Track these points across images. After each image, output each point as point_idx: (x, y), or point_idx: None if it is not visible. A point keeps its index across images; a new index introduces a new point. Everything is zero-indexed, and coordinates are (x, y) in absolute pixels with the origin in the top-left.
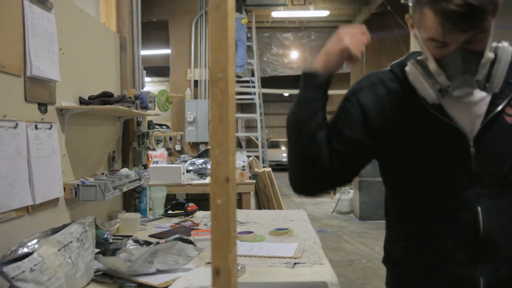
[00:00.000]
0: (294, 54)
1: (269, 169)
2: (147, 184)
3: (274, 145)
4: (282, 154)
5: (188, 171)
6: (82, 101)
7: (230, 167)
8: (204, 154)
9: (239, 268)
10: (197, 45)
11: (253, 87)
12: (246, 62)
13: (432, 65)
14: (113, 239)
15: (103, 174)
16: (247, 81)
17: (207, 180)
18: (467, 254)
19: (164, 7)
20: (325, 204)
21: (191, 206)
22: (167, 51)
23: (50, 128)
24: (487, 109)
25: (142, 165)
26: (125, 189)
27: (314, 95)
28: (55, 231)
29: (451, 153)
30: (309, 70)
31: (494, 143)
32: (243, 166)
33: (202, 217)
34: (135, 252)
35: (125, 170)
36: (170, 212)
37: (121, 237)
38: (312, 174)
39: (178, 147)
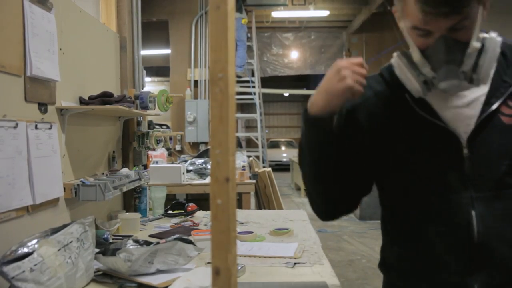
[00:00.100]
0: (294, 54)
1: (269, 169)
2: (147, 184)
3: (274, 145)
4: (282, 154)
5: (188, 171)
6: (82, 101)
7: (230, 167)
8: (204, 154)
9: (239, 268)
10: (197, 45)
11: (253, 87)
12: (246, 62)
13: (416, 55)
14: (113, 239)
15: (103, 174)
16: (247, 81)
17: (207, 180)
18: (461, 260)
19: (164, 7)
20: None
21: (191, 206)
22: (167, 51)
23: (50, 128)
24: (481, 108)
25: (142, 165)
26: (125, 189)
27: (324, 139)
28: (55, 231)
29: (442, 155)
30: (313, 114)
31: (489, 144)
32: (243, 166)
33: (202, 217)
34: (135, 252)
35: (125, 170)
36: (170, 212)
37: (121, 237)
38: (336, 207)
39: (178, 147)
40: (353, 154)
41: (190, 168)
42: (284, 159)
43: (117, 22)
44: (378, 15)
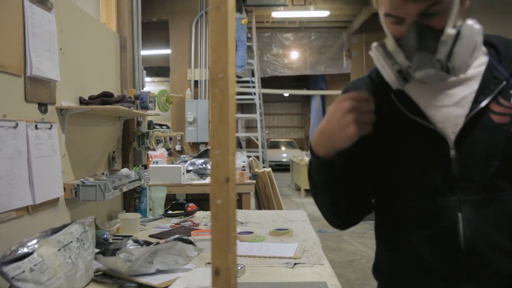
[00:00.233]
0: (294, 54)
1: (269, 169)
2: (147, 184)
3: (274, 145)
4: (282, 155)
5: (188, 171)
6: (82, 101)
7: (230, 167)
8: (204, 154)
9: (239, 268)
10: (197, 45)
11: (253, 87)
12: (246, 62)
13: (390, 44)
14: (113, 239)
15: (103, 174)
16: (247, 81)
17: (207, 180)
18: (448, 266)
19: (164, 7)
20: None
21: (191, 206)
22: (167, 51)
23: (50, 128)
24: (470, 107)
25: (142, 165)
26: (125, 189)
27: (334, 178)
28: (55, 231)
29: (429, 157)
30: (319, 155)
31: (477, 145)
32: (243, 166)
33: (202, 217)
34: (135, 252)
35: (125, 170)
36: (170, 212)
37: (121, 237)
38: (347, 219)
39: (178, 147)
40: (358, 166)
41: (190, 168)
42: (284, 159)
43: (117, 22)
44: (378, 15)
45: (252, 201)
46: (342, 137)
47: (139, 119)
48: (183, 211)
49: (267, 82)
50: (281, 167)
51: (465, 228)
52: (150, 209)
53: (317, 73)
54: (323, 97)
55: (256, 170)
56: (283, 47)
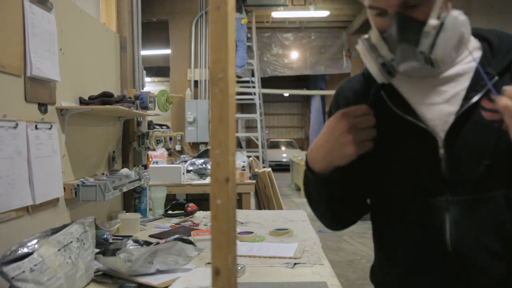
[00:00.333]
0: (294, 54)
1: (269, 169)
2: (147, 184)
3: (274, 145)
4: (282, 155)
5: (188, 171)
6: (82, 101)
7: (230, 168)
8: (204, 154)
9: (239, 268)
10: (197, 45)
11: (253, 87)
12: (246, 62)
13: (374, 37)
14: (113, 239)
15: (103, 174)
16: (247, 81)
17: (207, 180)
18: (435, 270)
19: (164, 7)
20: None
21: (191, 206)
22: (167, 51)
23: (50, 128)
24: (461, 104)
25: (142, 165)
26: (125, 189)
27: (330, 191)
28: (55, 231)
29: (418, 156)
30: (315, 171)
31: (467, 143)
32: (243, 166)
33: (202, 217)
34: (135, 252)
35: (125, 170)
36: (170, 212)
37: (121, 237)
38: (345, 222)
39: (178, 147)
40: (356, 176)
41: (190, 168)
42: (284, 159)
43: (117, 22)
44: None
45: (252, 201)
46: (339, 156)
47: (139, 119)
48: (183, 211)
49: (267, 82)
50: (281, 167)
51: (451, 230)
52: (150, 209)
53: (317, 73)
54: (323, 97)
55: (256, 170)
56: (283, 47)
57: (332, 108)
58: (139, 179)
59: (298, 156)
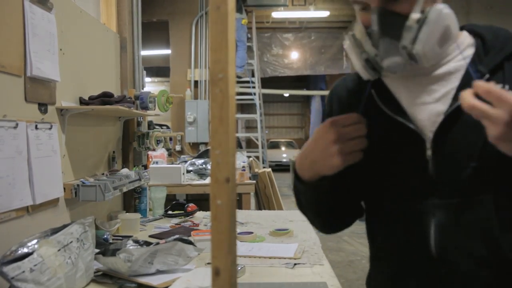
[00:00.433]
0: (294, 55)
1: (269, 169)
2: (147, 185)
3: (274, 145)
4: (282, 155)
5: (188, 171)
6: (82, 101)
7: (230, 168)
8: (204, 155)
9: (239, 268)
10: (197, 45)
11: (253, 87)
12: (246, 63)
13: (358, 32)
14: (113, 239)
15: (103, 174)
16: (247, 82)
17: (207, 180)
18: (420, 273)
19: (164, 7)
20: None
21: (191, 206)
22: (167, 51)
23: (50, 128)
24: (450, 103)
25: (142, 166)
26: (125, 189)
27: (319, 199)
28: (55, 231)
29: (406, 157)
30: (304, 180)
31: (455, 144)
32: (243, 167)
33: (202, 217)
34: (135, 253)
35: (125, 171)
36: (170, 212)
37: (121, 238)
38: (336, 227)
39: (178, 148)
40: (347, 181)
41: (190, 168)
42: (284, 160)
43: (118, 22)
44: None
45: (252, 201)
46: (325, 166)
47: (139, 119)
48: (183, 211)
49: (267, 82)
50: (281, 167)
51: (436, 234)
52: (150, 209)
53: (317, 73)
54: (323, 98)
55: (256, 170)
56: (283, 47)
57: (326, 107)
58: (139, 179)
59: None
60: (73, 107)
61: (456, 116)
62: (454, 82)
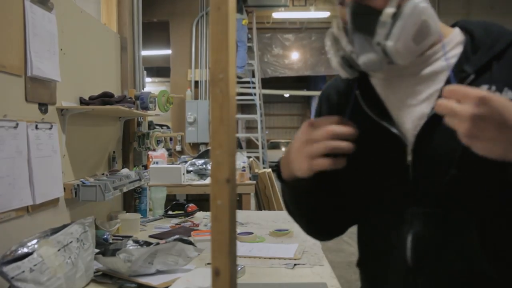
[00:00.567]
0: (294, 55)
1: (269, 170)
2: (147, 185)
3: (275, 146)
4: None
5: (188, 171)
6: (82, 101)
7: (230, 168)
8: (204, 155)
9: (239, 269)
10: (198, 46)
11: (254, 88)
12: (247, 63)
13: (335, 28)
14: (113, 239)
15: (103, 174)
16: (248, 82)
17: (207, 180)
18: (397, 284)
19: (165, 7)
20: None
21: (191, 206)
22: (168, 51)
23: (50, 128)
24: (433, 106)
25: (143, 166)
26: (125, 189)
27: (299, 199)
28: (55, 231)
29: (389, 163)
30: (284, 178)
31: (435, 149)
32: (243, 167)
33: (202, 217)
34: (135, 253)
35: (125, 171)
36: (170, 212)
37: (121, 238)
38: (325, 235)
39: (178, 148)
40: (331, 184)
41: (190, 168)
42: None
43: (118, 22)
44: None
45: (252, 201)
46: (296, 169)
47: (139, 120)
48: (183, 212)
49: (267, 82)
50: None
51: (412, 245)
52: (150, 210)
53: (318, 74)
54: None
55: (256, 170)
56: (283, 47)
57: (316, 107)
58: (139, 180)
59: None
60: (73, 107)
61: (438, 119)
62: (440, 83)
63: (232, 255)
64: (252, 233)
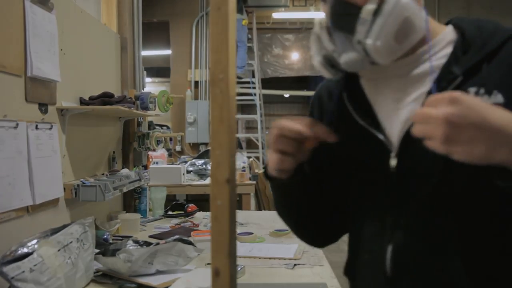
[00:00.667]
0: (295, 55)
1: None
2: (147, 185)
3: None
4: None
5: (188, 171)
6: (82, 102)
7: (230, 168)
8: (204, 155)
9: (239, 269)
10: (198, 46)
11: (254, 88)
12: (247, 63)
13: (317, 26)
14: (113, 239)
15: (103, 174)
16: (248, 82)
17: (207, 181)
18: None
19: (165, 8)
20: None
21: (191, 207)
22: (168, 52)
23: (50, 129)
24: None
25: (142, 166)
26: (125, 189)
27: (288, 201)
28: (55, 231)
29: (374, 169)
30: (270, 175)
31: (418, 155)
32: (243, 167)
33: (202, 218)
34: (135, 253)
35: (125, 171)
36: (170, 212)
37: (121, 238)
38: (316, 241)
39: (178, 148)
40: (317, 186)
41: (190, 169)
42: None
43: (118, 22)
44: None
45: (252, 202)
46: (269, 167)
47: (139, 120)
48: (183, 212)
49: (267, 83)
50: None
51: (392, 256)
52: (150, 210)
53: (318, 74)
54: None
55: (256, 171)
56: (283, 48)
57: (309, 107)
58: (139, 180)
59: None
60: (73, 107)
61: None
62: (428, 85)
63: (232, 255)
64: (252, 233)
